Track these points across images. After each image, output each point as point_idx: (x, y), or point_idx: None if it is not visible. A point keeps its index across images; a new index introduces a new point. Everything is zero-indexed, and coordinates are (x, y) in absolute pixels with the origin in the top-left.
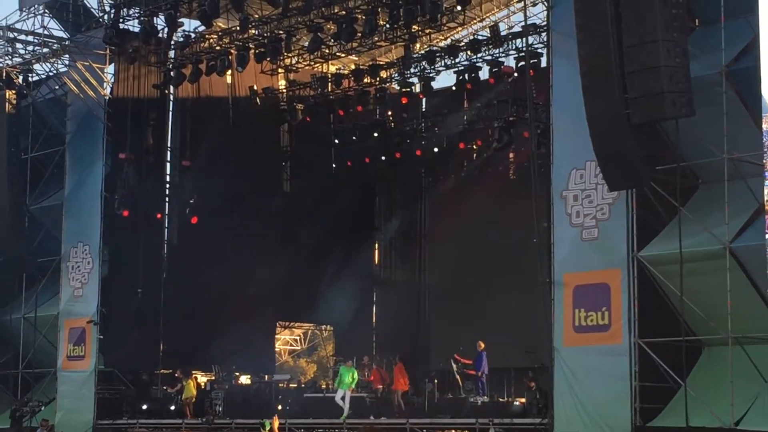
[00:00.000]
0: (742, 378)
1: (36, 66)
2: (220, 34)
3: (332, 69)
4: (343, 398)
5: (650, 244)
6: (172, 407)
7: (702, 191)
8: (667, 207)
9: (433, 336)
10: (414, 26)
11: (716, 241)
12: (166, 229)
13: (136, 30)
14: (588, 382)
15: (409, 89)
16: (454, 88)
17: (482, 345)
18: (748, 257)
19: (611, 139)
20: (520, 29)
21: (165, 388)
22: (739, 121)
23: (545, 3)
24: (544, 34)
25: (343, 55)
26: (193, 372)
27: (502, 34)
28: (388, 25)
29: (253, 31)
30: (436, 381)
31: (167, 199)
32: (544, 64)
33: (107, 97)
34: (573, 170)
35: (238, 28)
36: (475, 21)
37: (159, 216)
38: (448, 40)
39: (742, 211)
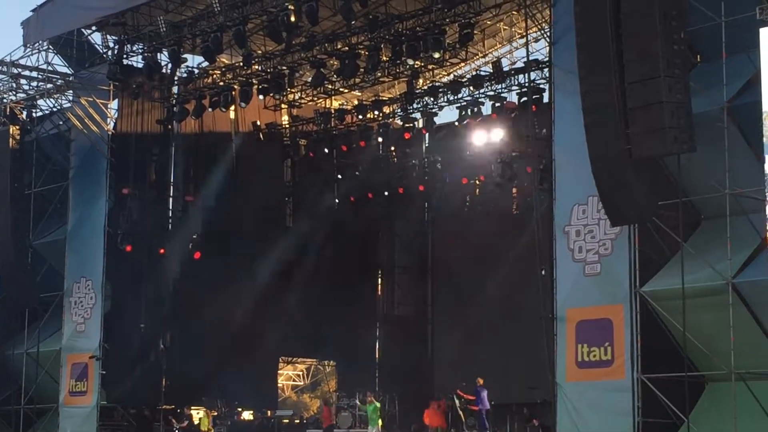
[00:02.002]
0: (746, 414)
1: (40, 101)
2: (223, 69)
3: (335, 104)
4: None
5: (652, 280)
6: None
7: (704, 226)
8: (670, 242)
9: (436, 371)
10: (417, 62)
11: (719, 276)
12: (168, 265)
13: (140, 66)
14: (591, 417)
15: (411, 124)
16: (456, 123)
17: (481, 381)
18: (750, 293)
19: (613, 175)
20: (523, 65)
21: (172, 422)
22: (740, 156)
23: (547, 39)
24: (546, 69)
25: (346, 90)
26: (197, 408)
27: (505, 69)
28: (390, 61)
29: (257, 67)
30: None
31: (170, 234)
32: (546, 99)
33: (110, 133)
34: (575, 205)
35: (241, 63)
36: (477, 57)
37: (162, 251)
38: (451, 76)
39: (745, 246)
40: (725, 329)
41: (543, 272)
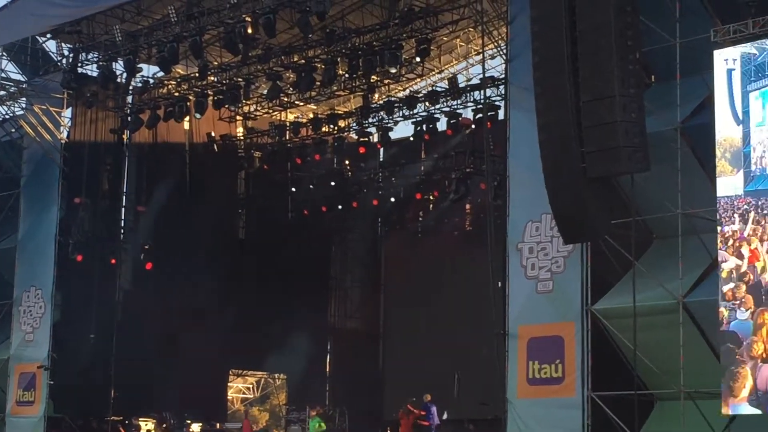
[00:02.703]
0: None
1: None
2: (178, 80)
3: (290, 117)
4: None
5: (604, 298)
6: None
7: (656, 246)
8: (622, 261)
9: (388, 386)
10: (373, 76)
11: (670, 295)
12: (119, 275)
13: (95, 74)
14: None
15: (367, 139)
16: (411, 138)
17: (428, 397)
18: (701, 312)
19: (567, 193)
20: (479, 81)
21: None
22: (693, 177)
23: (503, 56)
24: (502, 86)
25: (301, 103)
26: (145, 419)
27: (461, 86)
28: (347, 75)
29: (212, 78)
30: (388, 430)
31: (122, 244)
32: (501, 116)
33: (64, 141)
34: (529, 222)
35: (197, 74)
36: (433, 72)
37: (113, 261)
38: (407, 91)
39: (696, 266)
40: (675, 348)
41: (500, 284)
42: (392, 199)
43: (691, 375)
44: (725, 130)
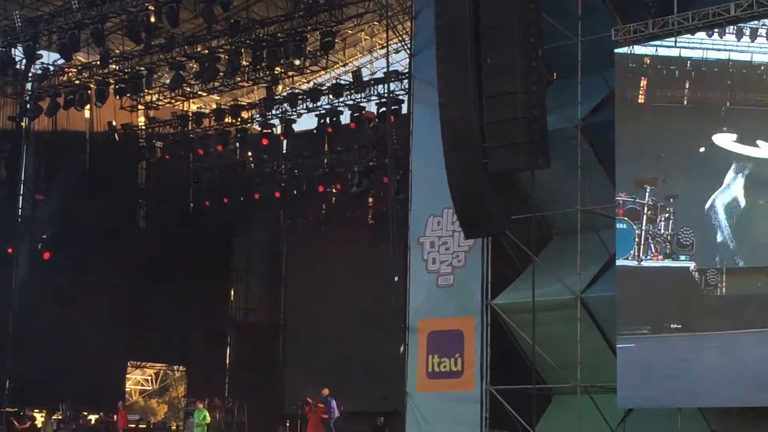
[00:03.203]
0: (590, 426)
1: None
2: (79, 68)
3: (193, 107)
4: None
5: (504, 293)
6: None
7: (556, 242)
8: (522, 256)
9: (288, 379)
10: (277, 68)
11: (568, 291)
12: (16, 264)
13: None
14: (440, 428)
15: (270, 131)
16: (315, 131)
17: (327, 391)
18: (598, 307)
19: (468, 188)
20: (383, 75)
21: (15, 425)
22: (593, 174)
23: (407, 50)
24: (405, 81)
25: (204, 94)
26: (40, 410)
27: (365, 79)
28: (250, 66)
29: (114, 67)
30: (288, 424)
31: (19, 233)
32: (405, 110)
33: None
34: (431, 217)
35: (98, 62)
36: (338, 65)
37: (10, 250)
38: (311, 83)
39: (594, 262)
40: (573, 343)
41: (396, 279)
42: (295, 192)
43: (588, 369)
44: None
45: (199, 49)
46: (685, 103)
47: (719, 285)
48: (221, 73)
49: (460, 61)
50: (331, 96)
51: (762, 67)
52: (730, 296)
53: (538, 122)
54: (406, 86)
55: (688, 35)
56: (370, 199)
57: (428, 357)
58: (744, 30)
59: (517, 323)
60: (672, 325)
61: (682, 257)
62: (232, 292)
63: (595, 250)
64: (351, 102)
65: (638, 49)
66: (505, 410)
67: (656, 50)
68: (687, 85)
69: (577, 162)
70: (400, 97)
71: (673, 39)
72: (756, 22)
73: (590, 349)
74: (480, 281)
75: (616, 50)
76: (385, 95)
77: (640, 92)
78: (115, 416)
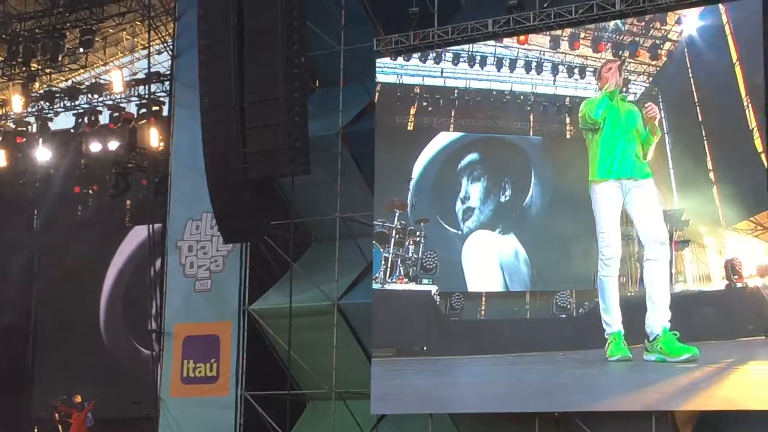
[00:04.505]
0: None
1: None
2: None
3: None
4: None
5: (261, 298)
6: None
7: (314, 248)
8: (281, 262)
9: (36, 384)
10: (33, 64)
11: (325, 297)
12: None
13: None
14: None
15: (25, 128)
16: (72, 130)
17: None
18: (354, 314)
19: (228, 192)
20: (144, 76)
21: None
22: (353, 182)
23: (170, 52)
24: (167, 83)
25: None
26: None
27: (125, 80)
28: (5, 62)
29: None
30: (36, 430)
31: None
32: (166, 112)
33: None
34: (189, 221)
35: None
36: (98, 64)
37: None
38: (69, 82)
39: (351, 269)
40: (329, 349)
41: (148, 281)
42: (49, 192)
43: (343, 376)
44: None
45: None
46: (451, 129)
47: (477, 309)
48: None
49: (222, 65)
50: (90, 95)
51: (522, 96)
52: (488, 320)
53: (300, 129)
54: (168, 88)
55: (453, 67)
56: (128, 202)
57: (183, 362)
58: (504, 61)
59: (274, 329)
60: (415, 348)
61: (425, 281)
62: None
63: (353, 257)
64: (110, 102)
65: (406, 80)
66: (259, 416)
67: (423, 80)
68: (453, 113)
69: (338, 169)
70: (162, 99)
71: (440, 69)
72: (516, 53)
73: (346, 355)
74: (238, 286)
75: (377, 59)
76: (146, 96)
77: (410, 120)
78: None
